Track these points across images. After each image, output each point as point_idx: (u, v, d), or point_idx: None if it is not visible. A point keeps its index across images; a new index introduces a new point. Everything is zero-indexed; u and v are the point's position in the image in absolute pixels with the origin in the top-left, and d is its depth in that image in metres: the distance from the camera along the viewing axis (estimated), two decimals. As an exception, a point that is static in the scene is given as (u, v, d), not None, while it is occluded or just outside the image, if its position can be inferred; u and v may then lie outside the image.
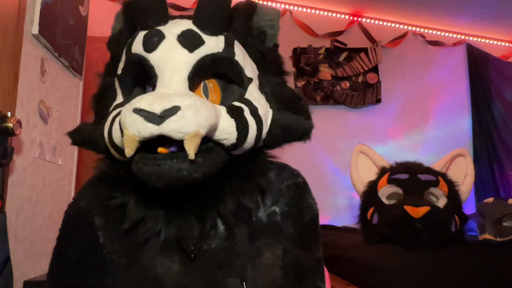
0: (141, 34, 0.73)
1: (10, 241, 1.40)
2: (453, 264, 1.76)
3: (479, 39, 4.01)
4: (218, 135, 0.67)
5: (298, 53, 3.55)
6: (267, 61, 0.82)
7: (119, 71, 0.76)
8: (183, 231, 0.70)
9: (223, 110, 0.69)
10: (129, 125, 0.61)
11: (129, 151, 0.62)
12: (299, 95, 0.85)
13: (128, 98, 0.75)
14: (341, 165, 3.16)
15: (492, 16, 3.65)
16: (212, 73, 0.74)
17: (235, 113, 0.69)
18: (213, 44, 0.72)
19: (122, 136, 0.65)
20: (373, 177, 2.15)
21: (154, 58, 0.70)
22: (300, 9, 3.69)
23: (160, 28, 0.72)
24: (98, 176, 0.80)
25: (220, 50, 0.72)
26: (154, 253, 0.73)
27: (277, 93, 0.80)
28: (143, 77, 0.75)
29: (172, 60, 0.69)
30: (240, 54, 0.76)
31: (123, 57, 0.76)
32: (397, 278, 1.70)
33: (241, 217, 0.74)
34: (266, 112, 0.75)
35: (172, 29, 0.71)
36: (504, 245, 1.91)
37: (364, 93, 3.64)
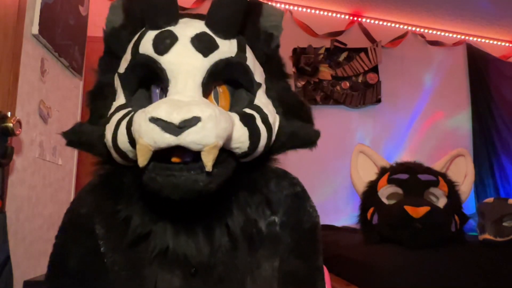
0: (150, 34, 0.69)
1: (10, 241, 1.40)
2: (453, 264, 1.76)
3: (479, 39, 4.00)
4: (232, 144, 0.65)
5: (298, 53, 3.55)
6: (272, 64, 0.80)
7: (122, 70, 0.72)
8: (193, 249, 0.69)
9: (236, 118, 0.67)
10: (145, 135, 0.58)
11: (143, 161, 0.60)
12: (303, 101, 0.83)
13: (131, 99, 0.72)
14: (341, 165, 3.15)
15: (492, 16, 3.65)
16: (224, 78, 0.72)
17: (248, 122, 0.68)
18: (227, 48, 0.69)
19: (130, 142, 0.63)
20: (373, 177, 2.15)
21: (166, 61, 0.66)
22: (300, 9, 3.68)
23: (171, 28, 0.68)
24: (98, 181, 0.78)
25: (233, 55, 0.70)
26: (156, 268, 0.72)
27: (283, 99, 0.78)
28: (149, 79, 0.71)
29: (186, 65, 0.66)
30: (251, 59, 0.73)
31: (128, 56, 0.71)
32: (397, 278, 1.70)
33: (245, 230, 0.73)
34: (274, 119, 0.74)
35: (185, 30, 0.68)
36: (504, 245, 1.91)
37: (364, 93, 3.64)
